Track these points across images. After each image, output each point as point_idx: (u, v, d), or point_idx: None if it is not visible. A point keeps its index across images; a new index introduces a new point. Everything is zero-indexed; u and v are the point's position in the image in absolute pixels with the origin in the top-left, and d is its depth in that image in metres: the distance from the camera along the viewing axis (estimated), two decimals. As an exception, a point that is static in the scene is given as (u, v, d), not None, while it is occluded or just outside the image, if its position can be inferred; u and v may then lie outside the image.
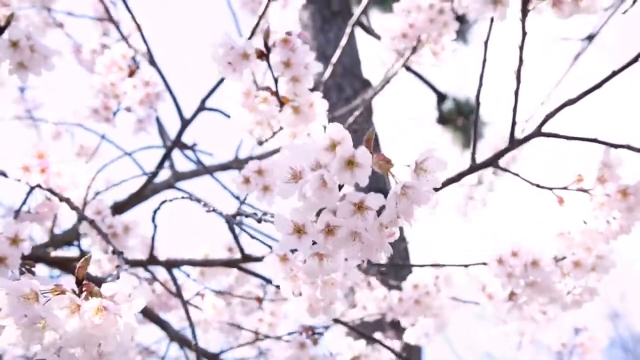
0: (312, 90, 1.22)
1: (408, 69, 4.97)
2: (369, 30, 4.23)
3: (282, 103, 1.21)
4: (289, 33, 1.16)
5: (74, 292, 0.76)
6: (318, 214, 0.73)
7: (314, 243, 0.73)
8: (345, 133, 0.69)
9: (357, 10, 2.12)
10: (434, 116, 5.78)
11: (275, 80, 1.19)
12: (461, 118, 4.95)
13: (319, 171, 0.68)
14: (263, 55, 1.17)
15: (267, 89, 1.23)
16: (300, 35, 1.16)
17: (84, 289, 0.76)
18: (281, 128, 1.36)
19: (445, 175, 1.36)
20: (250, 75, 1.28)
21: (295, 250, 1.06)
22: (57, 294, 0.74)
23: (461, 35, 5.53)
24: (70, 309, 0.72)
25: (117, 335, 0.73)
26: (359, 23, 4.14)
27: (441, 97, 5.78)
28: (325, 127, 0.70)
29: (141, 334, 2.96)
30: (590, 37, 3.03)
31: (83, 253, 1.82)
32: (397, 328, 2.60)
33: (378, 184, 1.01)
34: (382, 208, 0.70)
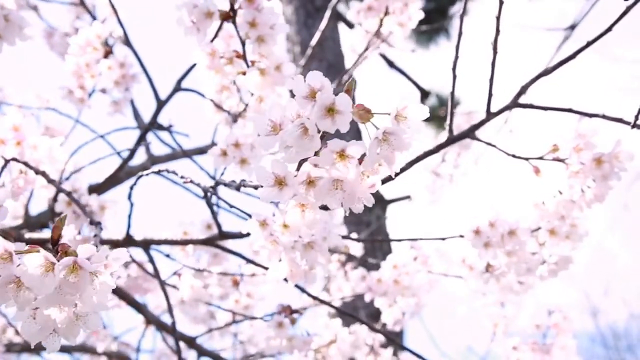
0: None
1: (391, 65, 4.99)
2: (352, 26, 4.25)
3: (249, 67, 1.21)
4: None
5: (49, 251, 0.74)
6: (299, 167, 0.74)
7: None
8: (325, 80, 0.69)
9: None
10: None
11: (243, 44, 1.19)
12: (444, 108, 4.99)
13: (300, 118, 0.68)
14: (229, 17, 1.17)
15: (234, 52, 1.22)
16: None
17: (59, 249, 0.75)
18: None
19: (423, 147, 1.38)
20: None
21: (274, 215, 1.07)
22: (32, 254, 0.72)
23: (444, 31, 5.57)
24: (45, 267, 0.70)
25: (92, 295, 0.72)
26: (342, 18, 4.15)
27: (424, 94, 5.80)
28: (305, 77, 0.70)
29: (117, 318, 2.94)
30: (573, 27, 3.06)
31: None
32: (374, 318, 2.62)
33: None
34: (364, 157, 0.71)
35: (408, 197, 3.41)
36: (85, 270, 0.70)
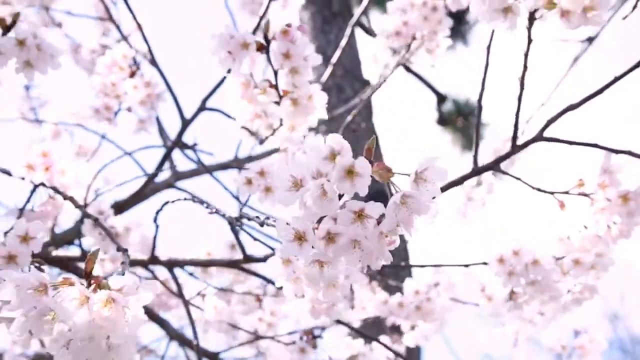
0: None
1: (408, 69, 4.96)
2: (369, 31, 4.22)
3: (281, 97, 1.21)
4: (288, 25, 1.16)
5: (79, 277, 0.76)
6: (319, 220, 0.74)
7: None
8: (345, 143, 0.69)
9: (357, 11, 2.12)
10: (433, 117, 5.75)
11: (275, 73, 1.20)
12: (461, 119, 4.93)
13: (319, 180, 0.69)
14: (263, 47, 1.18)
15: (267, 81, 1.23)
16: (300, 28, 1.16)
17: (92, 282, 0.77)
18: (281, 124, 1.37)
19: (447, 178, 1.37)
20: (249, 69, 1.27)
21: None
22: (66, 287, 0.75)
23: (461, 36, 5.51)
24: (79, 300, 0.72)
25: (125, 327, 0.74)
26: (359, 24, 4.13)
27: (441, 98, 5.76)
28: (325, 138, 0.70)
29: (140, 332, 2.96)
30: (590, 39, 3.03)
31: (84, 252, 1.82)
32: (396, 329, 2.60)
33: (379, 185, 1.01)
34: (382, 216, 0.71)
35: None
36: (118, 303, 0.73)
